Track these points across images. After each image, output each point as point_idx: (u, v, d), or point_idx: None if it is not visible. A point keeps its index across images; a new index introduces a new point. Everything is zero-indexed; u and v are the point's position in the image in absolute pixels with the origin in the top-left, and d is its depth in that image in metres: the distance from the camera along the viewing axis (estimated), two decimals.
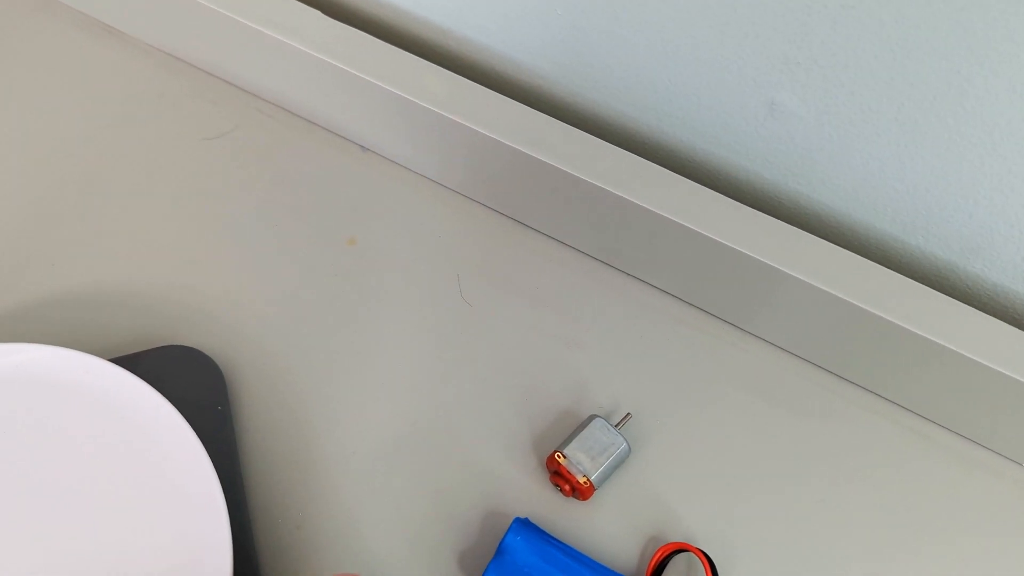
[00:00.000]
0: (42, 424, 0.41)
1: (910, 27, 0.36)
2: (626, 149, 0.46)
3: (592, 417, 0.44)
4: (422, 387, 0.46)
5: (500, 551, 0.41)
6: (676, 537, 0.43)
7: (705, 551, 0.41)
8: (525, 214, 0.51)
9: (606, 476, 0.43)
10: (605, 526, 0.43)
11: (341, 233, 0.51)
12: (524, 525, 0.41)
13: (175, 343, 0.46)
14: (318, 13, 0.50)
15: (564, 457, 0.42)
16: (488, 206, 0.52)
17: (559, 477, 0.43)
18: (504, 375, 0.47)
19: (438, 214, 0.52)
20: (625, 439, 0.43)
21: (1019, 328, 0.44)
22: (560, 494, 0.44)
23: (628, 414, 0.45)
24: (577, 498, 0.43)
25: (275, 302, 0.48)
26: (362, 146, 0.53)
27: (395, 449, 0.45)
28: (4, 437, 0.41)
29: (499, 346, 0.48)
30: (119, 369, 0.42)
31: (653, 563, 0.41)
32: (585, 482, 0.42)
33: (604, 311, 0.49)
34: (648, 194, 0.45)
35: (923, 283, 0.45)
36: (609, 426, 0.43)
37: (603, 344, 0.48)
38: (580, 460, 0.42)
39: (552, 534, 0.42)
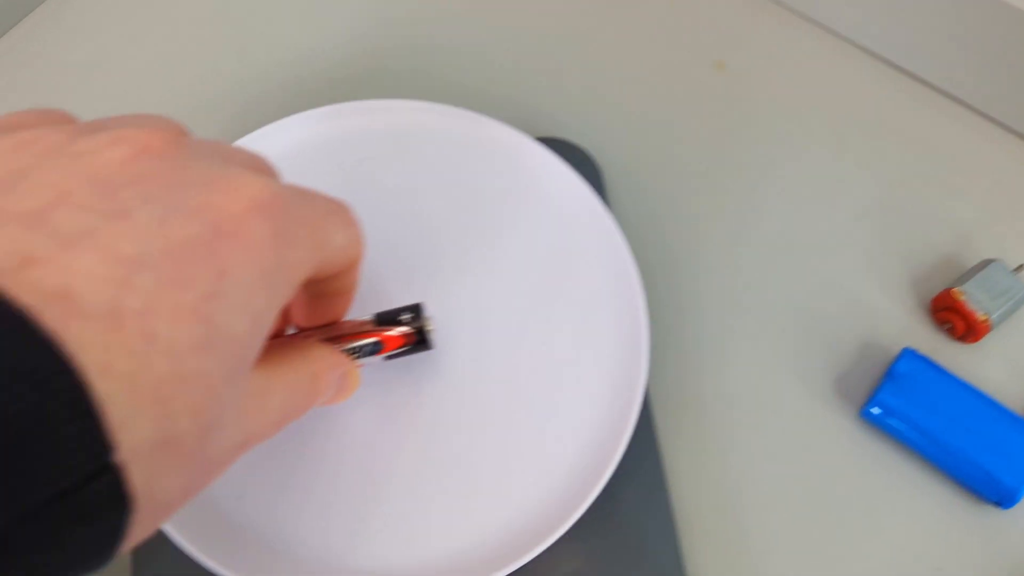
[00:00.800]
0: (473, 190, 0.42)
1: None
2: None
3: (989, 261, 0.42)
4: (792, 218, 0.45)
5: (891, 375, 0.40)
6: None
7: None
8: (908, 60, 0.48)
9: (1002, 319, 0.41)
10: (991, 371, 0.42)
11: (709, 55, 0.50)
12: (914, 355, 0.40)
13: (555, 136, 0.46)
14: None
15: (963, 293, 0.41)
16: (868, 50, 0.50)
17: (953, 314, 0.41)
18: (882, 216, 0.45)
19: (811, 55, 0.50)
20: None
21: None
22: (941, 334, 0.42)
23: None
24: (965, 340, 0.42)
25: (644, 109, 0.48)
26: None
27: (766, 269, 0.44)
28: (435, 194, 0.42)
29: (877, 189, 0.46)
30: (543, 148, 0.42)
31: None
32: (985, 319, 0.40)
33: (991, 165, 0.47)
34: None
35: None
36: (1008, 270, 0.42)
37: (989, 196, 0.46)
38: (980, 299, 0.41)
39: None
